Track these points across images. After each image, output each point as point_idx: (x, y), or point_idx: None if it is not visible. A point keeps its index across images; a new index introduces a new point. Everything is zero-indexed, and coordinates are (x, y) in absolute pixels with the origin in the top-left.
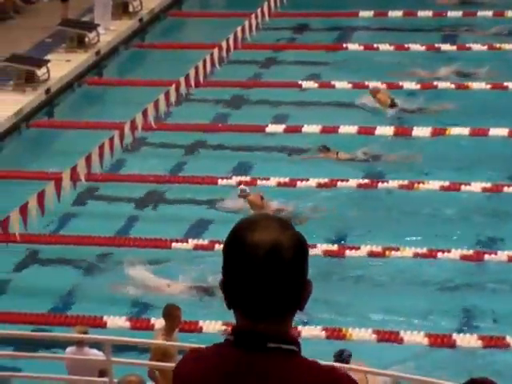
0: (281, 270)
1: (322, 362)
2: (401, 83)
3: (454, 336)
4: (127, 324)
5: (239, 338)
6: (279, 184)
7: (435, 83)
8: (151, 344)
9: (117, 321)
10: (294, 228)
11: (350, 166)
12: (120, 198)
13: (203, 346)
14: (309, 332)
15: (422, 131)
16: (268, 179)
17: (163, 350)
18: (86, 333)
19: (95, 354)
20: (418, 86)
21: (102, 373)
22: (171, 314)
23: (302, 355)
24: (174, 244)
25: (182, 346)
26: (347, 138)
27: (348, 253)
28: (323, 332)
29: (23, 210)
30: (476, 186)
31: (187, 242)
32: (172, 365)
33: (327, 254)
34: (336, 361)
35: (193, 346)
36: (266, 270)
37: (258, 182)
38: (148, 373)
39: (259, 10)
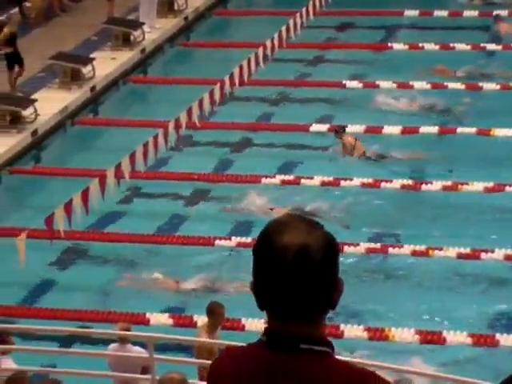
0: (310, 272)
1: (355, 363)
2: (445, 83)
3: (498, 336)
4: (170, 321)
5: (271, 339)
6: (323, 183)
7: (480, 84)
8: (193, 342)
9: (160, 318)
10: (322, 228)
11: (393, 165)
12: (163, 196)
13: (239, 344)
14: (351, 332)
15: (465, 131)
16: (312, 178)
17: (209, 349)
18: (128, 330)
19: (138, 351)
20: (463, 86)
21: (145, 370)
22: (215, 311)
23: (335, 356)
24: (217, 241)
25: (225, 344)
26: (391, 138)
27: (391, 251)
28: (365, 332)
29: (68, 207)
30: None
31: (230, 239)
32: (203, 361)
33: (370, 252)
34: None
35: (234, 344)
36: (296, 273)
37: (302, 180)
38: (198, 373)
39: (304, 9)
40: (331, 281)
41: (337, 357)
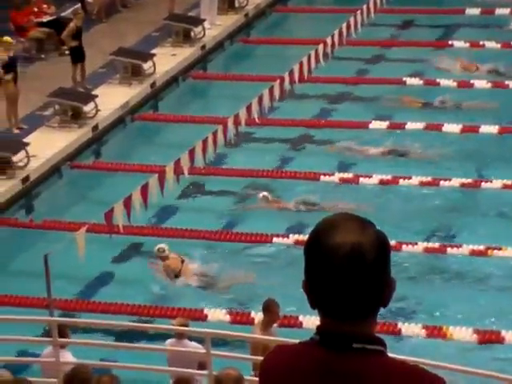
0: (363, 271)
1: (409, 362)
2: (507, 82)
3: None
4: (227, 317)
5: (324, 338)
6: (381, 182)
7: None
8: (250, 338)
9: (217, 314)
10: (374, 226)
11: (452, 163)
12: (222, 192)
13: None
14: (409, 330)
15: None
16: (370, 177)
17: (264, 346)
18: (185, 325)
19: (195, 347)
20: None
21: (202, 365)
22: (270, 309)
23: (388, 354)
24: (275, 239)
25: (280, 341)
26: (450, 136)
27: (449, 251)
28: (423, 330)
29: (127, 203)
30: None
31: (288, 237)
32: (259, 358)
33: (428, 251)
34: None
35: (285, 342)
36: (349, 272)
37: (360, 179)
38: (253, 369)
39: (365, 6)
40: (383, 279)
41: (390, 355)
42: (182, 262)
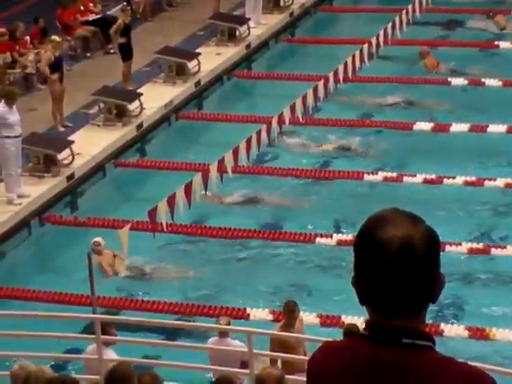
0: (413, 266)
1: (458, 359)
2: None
3: None
4: (270, 317)
5: (373, 333)
6: (425, 181)
7: None
8: (291, 337)
9: (260, 313)
10: (424, 222)
11: (497, 164)
12: (266, 191)
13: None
14: (452, 331)
15: None
16: (414, 176)
17: (281, 342)
18: (228, 324)
19: (237, 345)
20: None
21: (244, 364)
22: (290, 310)
23: (436, 351)
24: (318, 239)
25: (306, 339)
26: (495, 138)
27: (493, 252)
28: (466, 331)
29: (171, 201)
30: None
31: (331, 237)
32: (298, 357)
33: (473, 252)
34: None
35: (312, 338)
36: (399, 267)
37: (404, 178)
38: (270, 361)
39: (410, 6)
40: (433, 274)
41: (438, 351)
42: (114, 256)
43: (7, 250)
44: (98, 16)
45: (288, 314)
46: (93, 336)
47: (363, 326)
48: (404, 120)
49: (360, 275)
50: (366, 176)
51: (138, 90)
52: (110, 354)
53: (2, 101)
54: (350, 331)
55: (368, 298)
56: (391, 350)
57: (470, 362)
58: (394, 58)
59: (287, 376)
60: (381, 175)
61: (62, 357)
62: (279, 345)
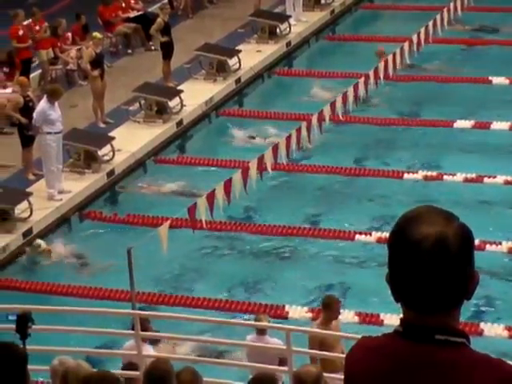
0: (447, 263)
1: (492, 356)
2: None
3: None
4: (308, 315)
5: (407, 330)
6: (466, 180)
7: None
8: (327, 335)
9: (299, 311)
10: (458, 219)
11: None
12: (305, 189)
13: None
14: (492, 330)
15: None
16: (454, 175)
17: (321, 340)
18: (266, 321)
19: (275, 343)
20: None
21: (282, 361)
22: (330, 305)
23: (471, 348)
24: (357, 236)
25: (344, 337)
26: None
27: None
28: (505, 331)
29: (210, 198)
30: None
31: (370, 234)
32: (336, 355)
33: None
34: None
35: (350, 336)
36: (433, 264)
37: (445, 177)
38: (311, 360)
39: (452, 4)
40: (467, 271)
41: (472, 348)
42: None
43: (48, 245)
44: (139, 13)
45: (326, 309)
46: (132, 332)
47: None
48: (444, 118)
49: (394, 273)
50: (405, 175)
51: (179, 87)
52: (149, 350)
53: (45, 97)
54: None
55: (402, 296)
56: (424, 346)
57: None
58: (434, 57)
59: (326, 374)
60: (420, 174)
61: (100, 352)
62: (318, 344)
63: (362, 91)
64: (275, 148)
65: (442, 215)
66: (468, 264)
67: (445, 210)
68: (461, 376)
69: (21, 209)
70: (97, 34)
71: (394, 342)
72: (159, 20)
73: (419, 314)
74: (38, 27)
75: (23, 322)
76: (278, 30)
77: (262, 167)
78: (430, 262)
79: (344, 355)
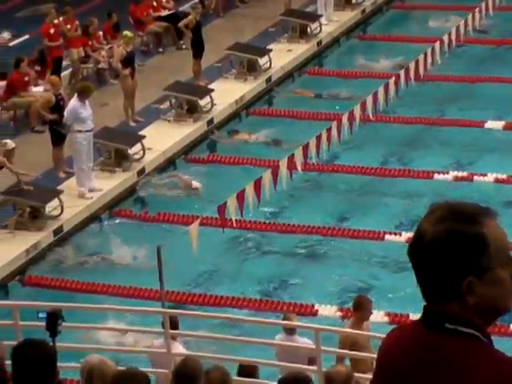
0: (421, 257)
1: (506, 356)
2: None
3: None
4: (338, 314)
5: (423, 317)
6: (497, 180)
7: None
8: (357, 335)
9: (328, 310)
10: (456, 221)
11: None
12: (334, 188)
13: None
14: None
15: None
16: (485, 175)
17: (352, 340)
18: (295, 320)
19: (305, 342)
20: None
21: (311, 361)
22: (362, 305)
23: (484, 341)
24: (387, 236)
25: (373, 336)
26: None
27: None
28: None
29: (240, 197)
30: None
31: (400, 235)
32: (367, 355)
33: None
34: None
35: (381, 336)
36: (413, 256)
37: (475, 177)
38: (336, 360)
39: (483, 4)
40: (455, 269)
41: (486, 343)
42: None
43: (78, 243)
44: (171, 12)
45: (358, 309)
46: (161, 330)
47: None
48: (475, 118)
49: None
50: (436, 175)
51: (209, 86)
52: (179, 348)
53: (75, 95)
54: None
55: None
56: (435, 334)
57: None
58: (465, 57)
59: (357, 374)
60: (451, 174)
61: (130, 350)
62: (349, 344)
63: (392, 91)
64: (305, 147)
65: (441, 214)
66: (455, 263)
67: (451, 209)
68: (461, 367)
69: (52, 207)
70: (128, 33)
71: (413, 327)
72: (191, 17)
73: (430, 302)
74: (69, 26)
75: (53, 320)
76: (308, 30)
77: (292, 166)
78: (411, 254)
79: (374, 355)
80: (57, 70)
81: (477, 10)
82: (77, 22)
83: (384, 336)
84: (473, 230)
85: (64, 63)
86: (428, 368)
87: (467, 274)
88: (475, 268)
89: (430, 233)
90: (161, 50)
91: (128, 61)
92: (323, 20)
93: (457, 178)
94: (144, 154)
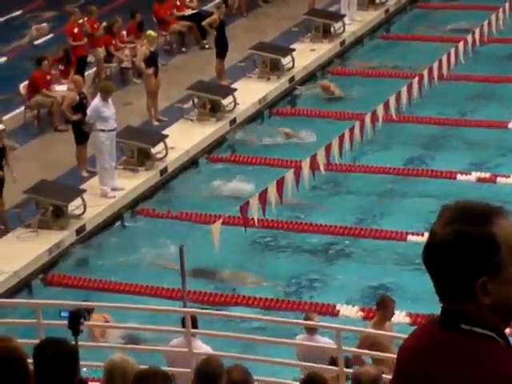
0: (433, 259)
1: None
2: None
3: None
4: (359, 314)
5: (440, 317)
6: None
7: None
8: (378, 334)
9: (349, 311)
10: (464, 224)
11: None
12: (357, 188)
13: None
14: None
15: None
16: (508, 177)
17: (372, 340)
18: (315, 320)
19: (326, 342)
20: None
21: (333, 361)
22: (385, 305)
23: (500, 342)
24: (409, 237)
25: (395, 337)
26: None
27: None
28: None
29: (262, 197)
30: None
31: (423, 235)
32: (388, 355)
33: None
34: None
35: (401, 336)
36: (425, 257)
37: (498, 178)
38: (354, 359)
39: (507, 4)
40: (467, 270)
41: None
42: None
43: (101, 242)
44: (194, 11)
45: (381, 309)
46: (183, 329)
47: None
48: (498, 119)
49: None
50: (458, 176)
51: (232, 86)
52: (200, 346)
53: (98, 94)
54: None
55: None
56: (449, 333)
57: None
58: (488, 57)
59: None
60: (474, 175)
61: (150, 349)
62: (370, 344)
63: (415, 91)
64: (328, 147)
65: (452, 215)
66: (467, 264)
67: (462, 210)
68: (472, 367)
69: (74, 206)
70: (151, 33)
71: (431, 326)
72: (215, 16)
73: (443, 302)
74: (95, 25)
75: (76, 319)
76: (332, 29)
77: (314, 166)
78: (424, 256)
79: (395, 355)
80: (81, 70)
81: (501, 9)
82: (103, 24)
83: (405, 336)
84: (481, 230)
85: (89, 62)
86: (441, 368)
87: (480, 274)
88: (488, 268)
89: (439, 235)
90: (184, 49)
91: (151, 60)
92: (346, 20)
93: (480, 179)
94: (167, 153)
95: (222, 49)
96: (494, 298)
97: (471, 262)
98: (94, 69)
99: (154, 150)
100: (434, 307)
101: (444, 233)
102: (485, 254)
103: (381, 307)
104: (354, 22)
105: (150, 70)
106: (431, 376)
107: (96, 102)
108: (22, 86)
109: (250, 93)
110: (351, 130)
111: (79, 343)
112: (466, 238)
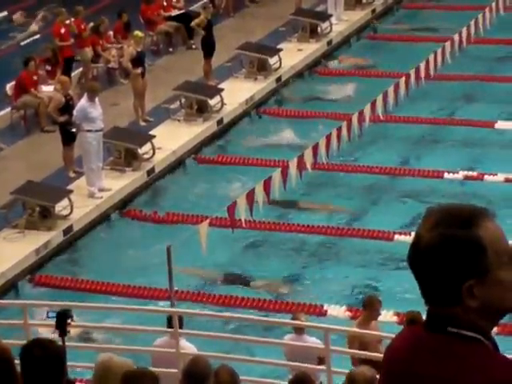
0: (418, 262)
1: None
2: None
3: None
4: (347, 314)
5: (426, 320)
6: (507, 180)
7: None
8: (366, 334)
9: (337, 311)
10: (450, 228)
11: None
12: (345, 189)
13: None
14: None
15: None
16: (495, 175)
17: (360, 340)
18: (304, 320)
19: (314, 342)
20: None
21: (321, 361)
22: (371, 305)
23: (487, 345)
24: (396, 236)
25: (383, 336)
26: None
27: None
28: None
29: (250, 197)
30: None
31: (410, 234)
32: (375, 354)
33: None
34: None
35: (389, 336)
36: (410, 260)
37: (485, 177)
38: (352, 362)
39: (493, 4)
40: (451, 273)
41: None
42: None
43: (88, 242)
44: (181, 11)
45: (367, 309)
46: (170, 329)
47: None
48: (485, 118)
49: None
50: (445, 174)
51: (219, 86)
52: (189, 347)
53: (85, 95)
54: (412, 320)
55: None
56: (435, 336)
57: None
58: (475, 57)
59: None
60: (461, 174)
61: (138, 349)
62: (358, 344)
63: (402, 91)
64: (315, 147)
65: (436, 219)
66: (451, 268)
67: (447, 212)
68: (458, 370)
69: (61, 206)
70: (138, 33)
71: (418, 330)
72: (202, 17)
73: (429, 305)
74: (82, 26)
75: (63, 319)
76: (319, 29)
77: (301, 166)
78: (409, 259)
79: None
80: (67, 70)
81: (487, 9)
82: (89, 24)
83: (393, 336)
84: (467, 233)
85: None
86: (427, 370)
87: (466, 277)
88: (474, 271)
89: (425, 238)
90: (171, 49)
91: (138, 60)
92: (333, 19)
93: (467, 178)
94: (154, 153)
95: (209, 49)
96: (480, 300)
97: (457, 265)
98: (81, 69)
99: (141, 151)
100: (421, 307)
101: (429, 236)
102: (471, 257)
103: (367, 307)
104: (341, 22)
105: (137, 71)
106: (417, 377)
107: (83, 102)
108: (9, 87)
109: (237, 93)
110: (338, 130)
111: (66, 344)
112: (452, 242)
